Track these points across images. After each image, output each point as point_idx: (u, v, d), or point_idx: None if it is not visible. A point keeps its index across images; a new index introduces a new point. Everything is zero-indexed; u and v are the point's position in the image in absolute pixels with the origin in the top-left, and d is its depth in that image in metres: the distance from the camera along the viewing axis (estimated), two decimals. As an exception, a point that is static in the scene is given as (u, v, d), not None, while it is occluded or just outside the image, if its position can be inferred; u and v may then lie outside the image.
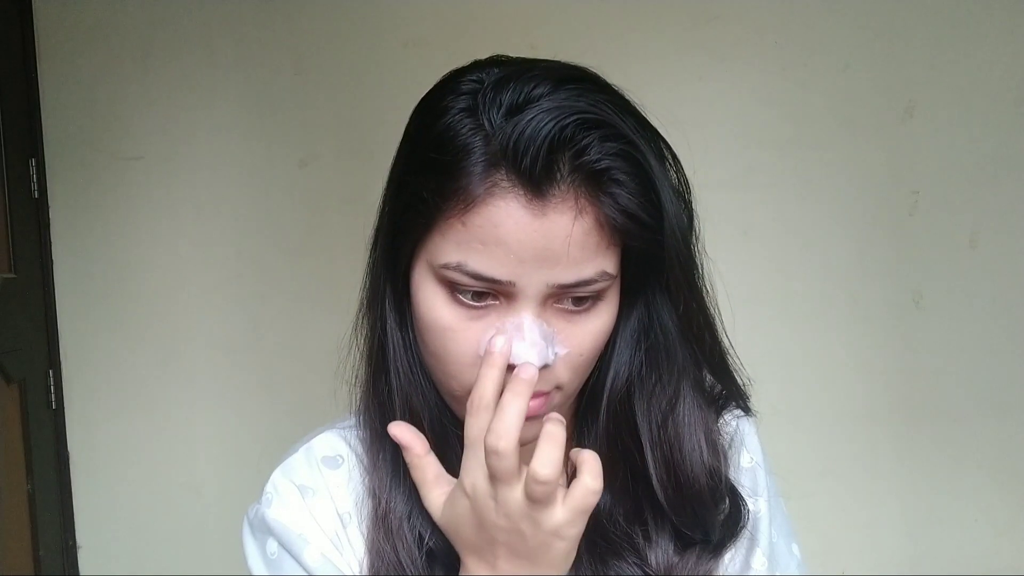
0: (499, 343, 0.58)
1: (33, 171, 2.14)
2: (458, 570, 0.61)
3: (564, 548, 0.57)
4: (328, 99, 2.14)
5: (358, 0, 2.13)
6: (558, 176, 0.56)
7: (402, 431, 0.62)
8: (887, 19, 2.04)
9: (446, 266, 0.58)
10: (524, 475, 0.56)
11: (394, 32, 2.12)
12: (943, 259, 2.05)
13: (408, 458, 0.62)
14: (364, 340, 0.69)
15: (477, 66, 0.62)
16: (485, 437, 0.55)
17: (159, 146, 2.17)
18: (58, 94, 2.16)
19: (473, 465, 0.57)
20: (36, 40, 2.15)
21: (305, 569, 0.66)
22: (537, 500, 0.55)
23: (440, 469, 0.62)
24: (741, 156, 2.07)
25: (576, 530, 0.57)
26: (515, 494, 0.56)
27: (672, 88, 2.04)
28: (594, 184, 0.57)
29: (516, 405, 0.56)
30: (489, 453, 0.55)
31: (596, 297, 0.61)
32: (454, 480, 0.60)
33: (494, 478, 0.56)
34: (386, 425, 0.66)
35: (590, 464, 0.57)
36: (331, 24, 2.13)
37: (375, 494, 0.68)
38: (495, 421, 0.55)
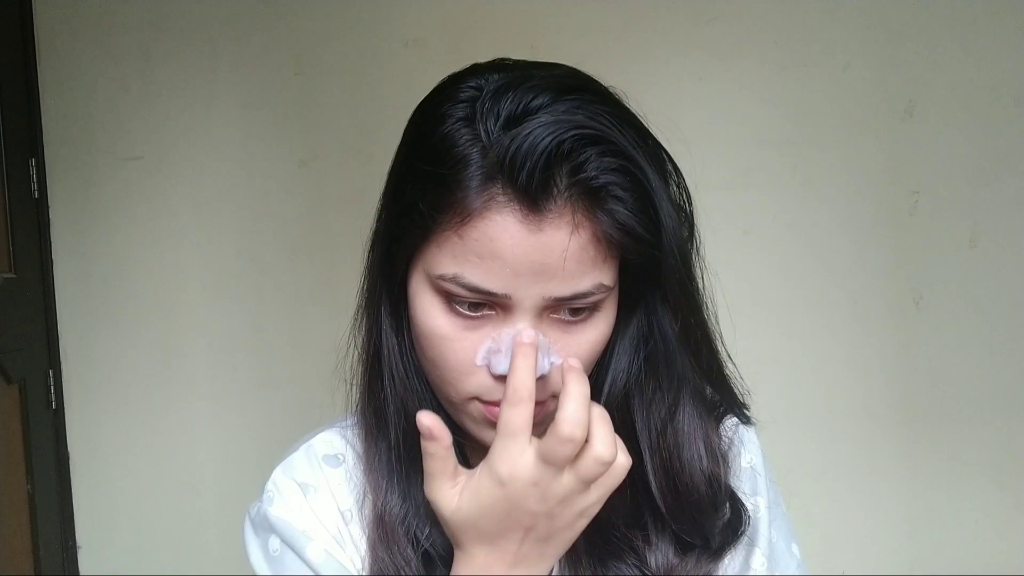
0: (528, 334, 0.57)
1: (33, 171, 2.14)
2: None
3: (582, 527, 0.58)
4: (328, 99, 2.14)
5: (358, 0, 2.13)
6: (555, 191, 0.55)
7: (432, 420, 0.58)
8: (887, 19, 2.03)
9: (442, 277, 0.58)
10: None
11: (394, 32, 2.12)
12: (943, 259, 2.05)
13: (432, 448, 0.58)
14: (361, 343, 0.69)
15: (476, 71, 0.61)
16: (560, 426, 0.54)
17: (159, 146, 2.17)
18: (58, 94, 2.16)
19: (514, 453, 0.55)
20: (36, 40, 2.15)
21: (309, 566, 0.66)
22: (560, 461, 0.55)
23: (457, 465, 0.60)
24: (741, 156, 2.06)
25: (597, 509, 0.58)
26: (565, 479, 0.56)
27: (672, 88, 2.04)
28: (592, 200, 0.56)
29: (582, 390, 0.55)
30: (564, 441, 0.54)
31: (593, 308, 0.61)
32: (465, 473, 0.59)
33: (553, 463, 0.55)
34: (381, 428, 0.66)
35: (621, 444, 0.57)
36: (331, 24, 2.13)
37: (372, 495, 0.68)
38: (568, 410, 0.54)
